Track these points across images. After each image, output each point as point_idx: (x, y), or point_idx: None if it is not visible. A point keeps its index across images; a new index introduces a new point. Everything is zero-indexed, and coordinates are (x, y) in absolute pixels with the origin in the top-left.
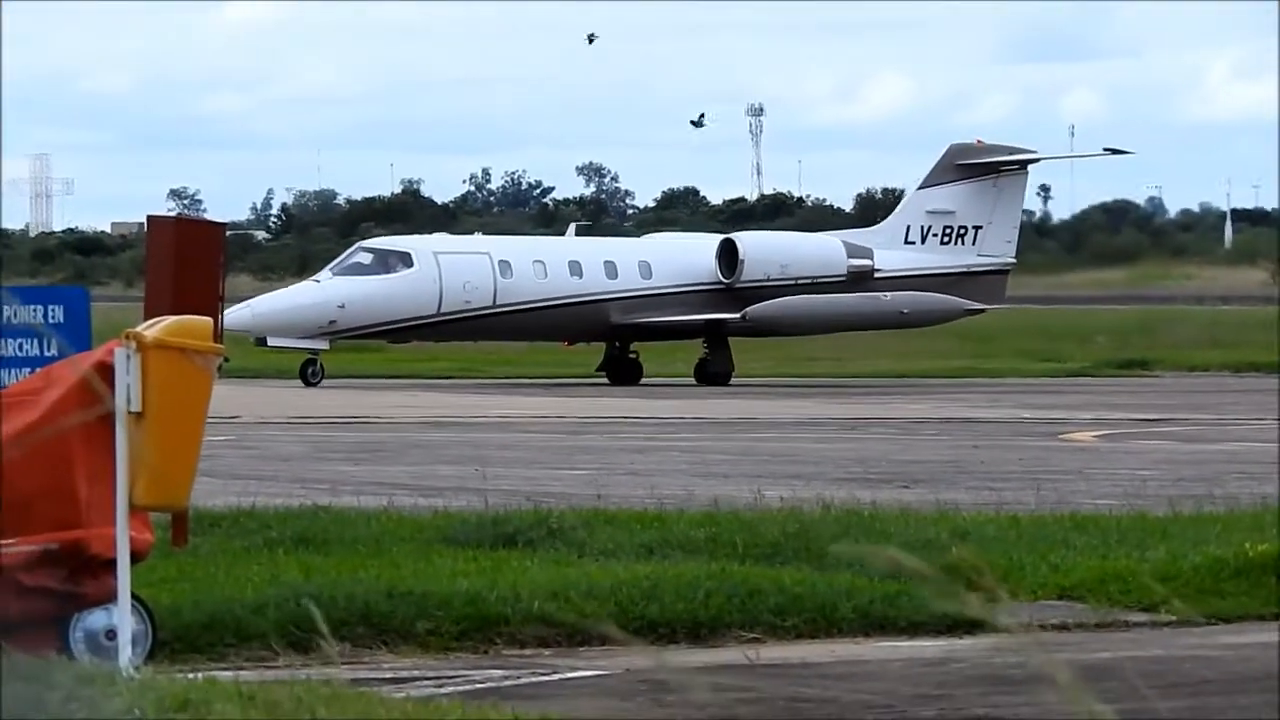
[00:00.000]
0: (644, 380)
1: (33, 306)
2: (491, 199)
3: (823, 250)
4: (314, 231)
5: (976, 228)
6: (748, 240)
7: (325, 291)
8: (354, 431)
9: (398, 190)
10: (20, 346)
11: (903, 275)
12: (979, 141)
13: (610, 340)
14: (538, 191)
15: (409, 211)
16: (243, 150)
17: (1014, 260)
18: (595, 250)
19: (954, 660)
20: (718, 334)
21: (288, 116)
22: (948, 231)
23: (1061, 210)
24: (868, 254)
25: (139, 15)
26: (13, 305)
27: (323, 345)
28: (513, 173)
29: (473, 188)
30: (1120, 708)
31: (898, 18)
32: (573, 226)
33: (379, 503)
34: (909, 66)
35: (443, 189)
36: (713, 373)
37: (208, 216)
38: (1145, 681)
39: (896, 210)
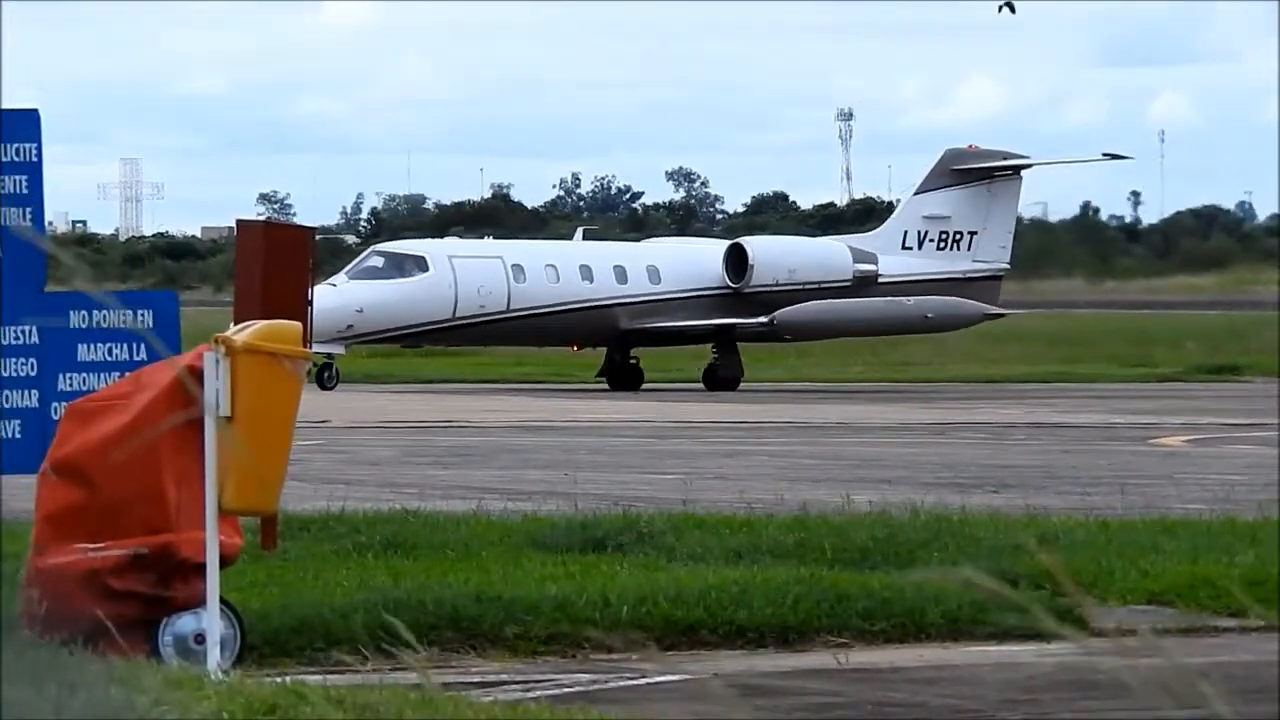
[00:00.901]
0: (645, 386)
1: (123, 311)
2: (581, 204)
3: (829, 255)
4: (403, 236)
5: (971, 233)
6: (757, 245)
7: (343, 295)
8: (443, 435)
9: (487, 195)
10: (110, 351)
11: (903, 280)
12: (972, 146)
13: (620, 345)
14: (627, 196)
15: (499, 216)
16: (333, 154)
17: (1008, 265)
18: (605, 255)
19: (1043, 665)
20: (727, 339)
21: (379, 120)
22: (943, 237)
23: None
24: (872, 259)
25: (230, 17)
26: (103, 310)
27: (339, 349)
28: (602, 177)
29: (562, 192)
30: (1205, 714)
31: (988, 20)
32: (580, 230)
33: (468, 507)
34: (999, 70)
35: (533, 193)
36: (723, 378)
37: (297, 220)
38: (1232, 687)
39: (893, 215)
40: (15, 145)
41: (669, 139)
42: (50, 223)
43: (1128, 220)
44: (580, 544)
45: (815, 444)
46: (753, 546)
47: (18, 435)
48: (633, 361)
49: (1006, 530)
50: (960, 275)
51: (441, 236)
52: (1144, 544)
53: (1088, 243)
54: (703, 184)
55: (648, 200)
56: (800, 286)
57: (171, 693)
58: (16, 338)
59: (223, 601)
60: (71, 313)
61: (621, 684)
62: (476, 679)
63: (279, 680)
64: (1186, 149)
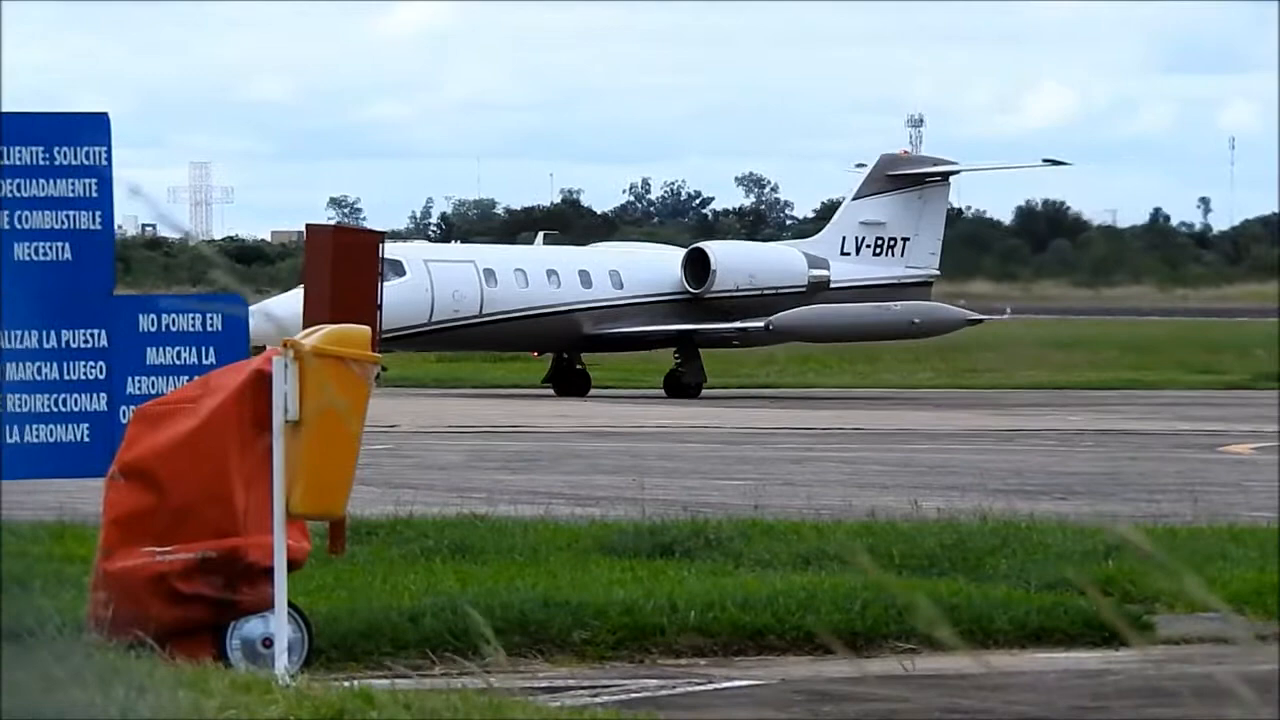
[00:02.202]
0: (593, 392)
1: (192, 314)
2: (651, 209)
3: (786, 261)
4: (474, 240)
5: (904, 239)
6: (719, 250)
7: None
8: (512, 440)
9: (557, 200)
10: (178, 354)
11: (849, 286)
12: (905, 151)
13: (582, 350)
14: (697, 202)
15: (568, 221)
16: (403, 158)
17: (938, 272)
18: (570, 260)
19: (1111, 672)
20: (689, 344)
21: (448, 125)
22: (879, 242)
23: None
24: (824, 264)
25: (298, 21)
26: (172, 313)
27: None
28: (672, 183)
29: (632, 198)
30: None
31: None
32: (540, 235)
33: (536, 512)
34: (1069, 76)
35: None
36: (686, 384)
37: (367, 225)
38: None
39: (832, 221)
40: (85, 149)
41: (739, 144)
42: (120, 226)
43: (1197, 227)
44: (648, 549)
45: (884, 450)
46: (821, 553)
47: (86, 438)
48: (579, 367)
49: (1074, 537)
50: (895, 281)
51: (512, 241)
52: (1212, 551)
53: (1158, 250)
54: (772, 189)
55: (717, 206)
56: (759, 292)
57: (239, 697)
58: (85, 341)
59: (290, 605)
60: (140, 316)
61: (689, 689)
62: (544, 684)
63: (346, 684)
64: (1256, 156)
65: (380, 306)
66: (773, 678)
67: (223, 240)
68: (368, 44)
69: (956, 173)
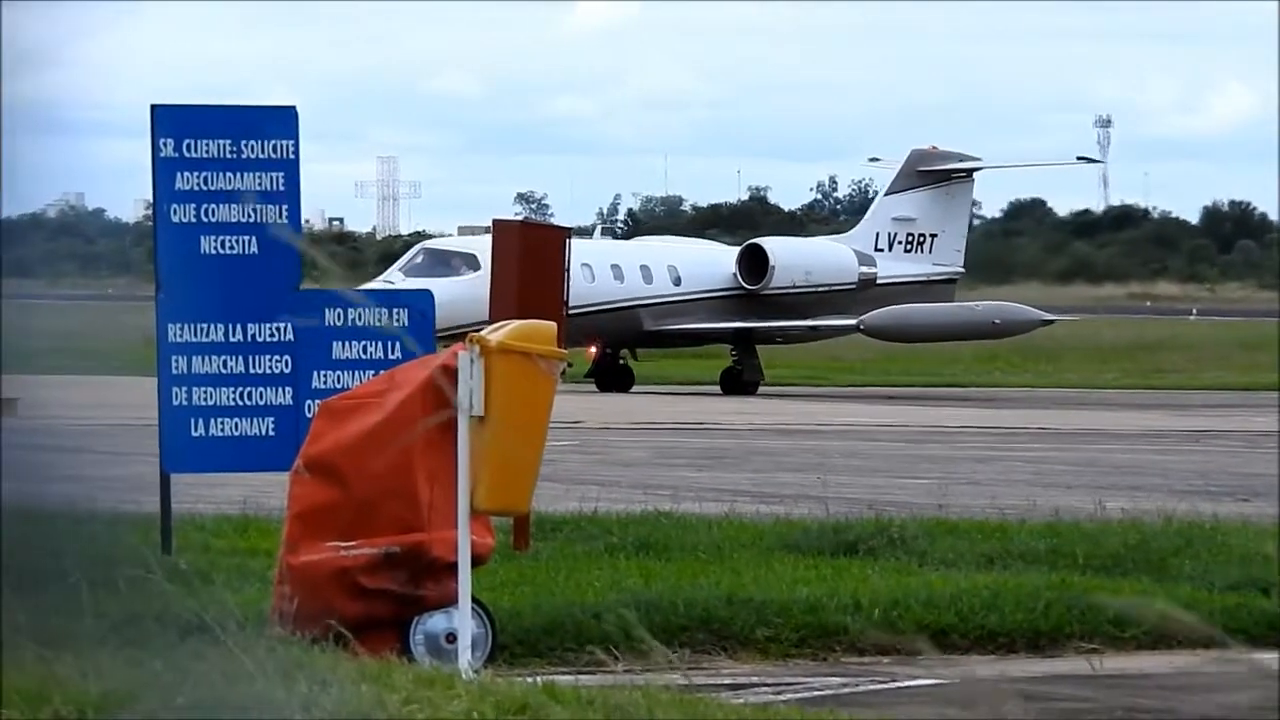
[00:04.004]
0: (635, 388)
1: (378, 310)
2: (838, 207)
3: (838, 257)
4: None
5: (933, 235)
6: (777, 246)
7: None
8: (697, 438)
9: (744, 197)
10: (364, 349)
11: (889, 283)
12: (933, 147)
13: (643, 346)
14: None
15: (755, 218)
16: (590, 154)
17: (963, 270)
18: (633, 254)
19: None
20: (747, 341)
21: (631, 120)
22: (910, 238)
23: None
24: (872, 261)
25: (488, 14)
26: (358, 308)
27: None
28: (859, 181)
29: (819, 195)
30: None
31: (1242, 26)
32: (598, 229)
33: (720, 509)
34: (1254, 76)
35: (789, 196)
36: (746, 381)
37: (554, 221)
38: None
39: (866, 216)
40: (273, 142)
41: (927, 142)
42: (307, 220)
43: None
44: (832, 547)
45: (1069, 450)
46: (1005, 552)
47: (271, 432)
48: (622, 363)
49: (1257, 538)
50: (925, 278)
51: (700, 237)
52: None
53: None
54: None
55: None
56: (814, 289)
57: (422, 691)
58: (271, 335)
59: (474, 601)
60: (326, 310)
61: (872, 687)
62: (727, 680)
63: (530, 680)
64: None
65: (567, 302)
66: (956, 676)
67: (409, 235)
68: (553, 39)
69: (980, 169)
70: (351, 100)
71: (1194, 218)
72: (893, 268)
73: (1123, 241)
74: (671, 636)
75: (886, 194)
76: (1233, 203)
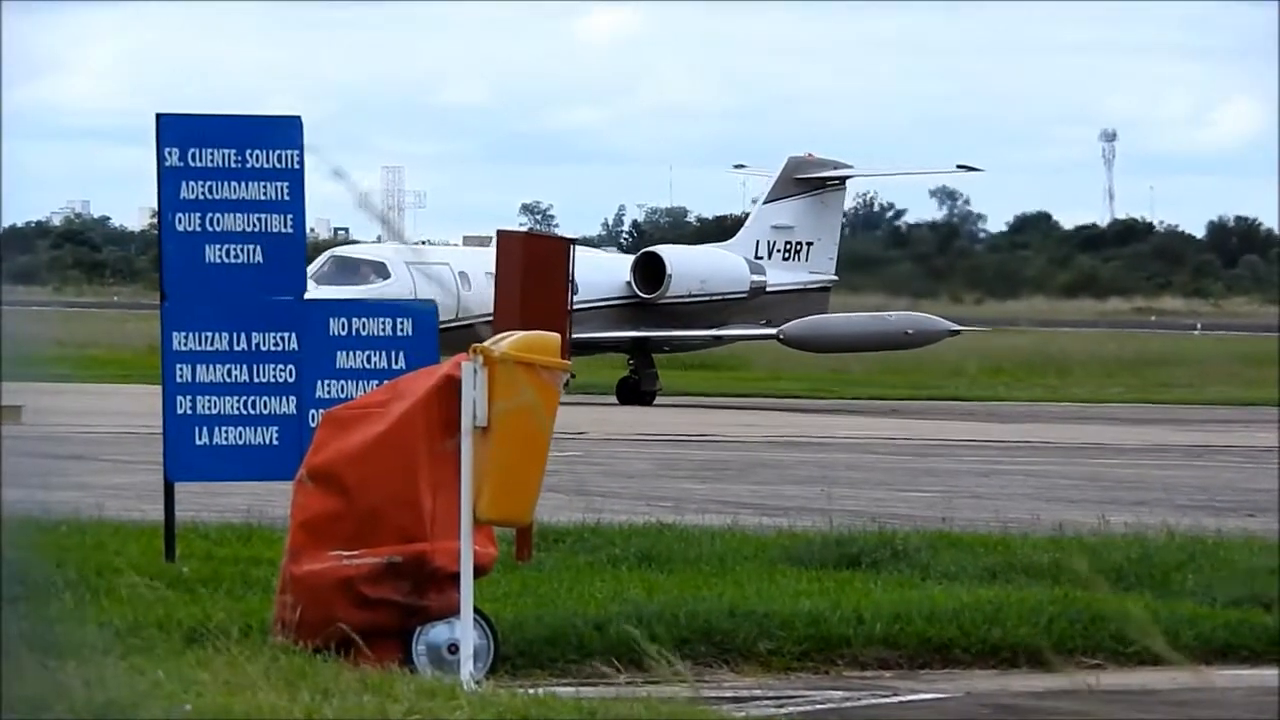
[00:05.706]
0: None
1: (382, 320)
2: (843, 220)
3: (731, 266)
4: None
5: (809, 244)
6: (673, 254)
7: None
8: (700, 449)
9: (749, 209)
10: (368, 359)
11: (774, 291)
12: (810, 155)
13: None
14: (890, 214)
15: None
16: (596, 164)
17: (836, 278)
18: None
19: None
20: (643, 351)
21: (639, 131)
22: (788, 247)
23: None
24: (761, 270)
25: (490, 25)
26: (363, 317)
27: None
28: (865, 193)
29: None
30: None
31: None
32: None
33: (723, 521)
34: (1261, 90)
35: None
36: (643, 391)
37: (559, 231)
38: None
39: (745, 224)
40: (278, 151)
41: (932, 156)
42: (312, 229)
43: None
44: (835, 560)
45: (1072, 464)
46: (1008, 566)
47: (275, 441)
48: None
49: (1261, 553)
50: (802, 286)
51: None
52: None
53: None
54: (965, 202)
55: (910, 218)
56: (708, 298)
57: (424, 702)
58: (276, 344)
59: (477, 611)
60: (331, 320)
61: (874, 701)
62: (729, 693)
63: (532, 691)
64: None
65: (571, 313)
66: (958, 690)
67: (414, 244)
68: (560, 49)
69: (851, 177)
70: (359, 109)
71: (1199, 232)
72: (775, 276)
73: (1127, 256)
74: (674, 649)
75: (765, 202)
76: (1238, 218)
